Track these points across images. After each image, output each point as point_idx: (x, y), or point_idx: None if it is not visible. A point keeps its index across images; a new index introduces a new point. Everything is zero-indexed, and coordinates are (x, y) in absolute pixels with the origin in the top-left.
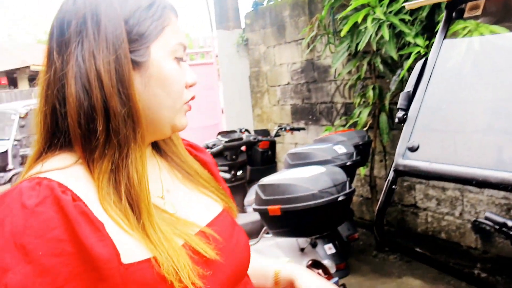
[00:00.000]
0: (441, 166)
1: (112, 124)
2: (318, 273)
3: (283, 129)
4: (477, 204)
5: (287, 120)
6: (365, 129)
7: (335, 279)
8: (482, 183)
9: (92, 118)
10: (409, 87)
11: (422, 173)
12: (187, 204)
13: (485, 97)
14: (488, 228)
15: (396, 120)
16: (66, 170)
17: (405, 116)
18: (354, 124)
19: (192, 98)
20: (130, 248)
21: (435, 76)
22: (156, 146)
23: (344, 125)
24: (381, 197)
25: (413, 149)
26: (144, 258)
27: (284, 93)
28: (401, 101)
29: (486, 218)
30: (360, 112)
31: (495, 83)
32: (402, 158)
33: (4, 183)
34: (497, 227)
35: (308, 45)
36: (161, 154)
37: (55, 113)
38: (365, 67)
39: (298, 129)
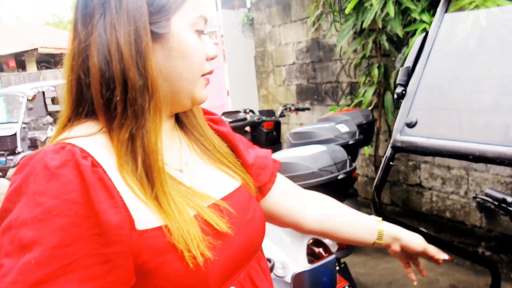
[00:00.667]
0: (439, 142)
1: (129, 95)
2: (319, 252)
3: (288, 109)
4: (482, 182)
5: (292, 101)
6: (370, 108)
7: (332, 256)
8: (479, 158)
9: (112, 88)
10: (408, 62)
11: (420, 149)
12: (204, 178)
13: (484, 73)
14: (488, 204)
15: (395, 95)
16: (91, 138)
17: (404, 92)
18: (359, 104)
19: (211, 72)
20: (145, 215)
21: (435, 51)
22: (178, 120)
23: (349, 105)
24: (378, 174)
25: (411, 125)
26: (157, 226)
27: (289, 73)
28: (400, 77)
29: (486, 195)
30: (365, 91)
31: (496, 59)
32: (400, 134)
33: (14, 166)
34: (496, 203)
35: (314, 24)
36: (182, 127)
37: (80, 83)
38: (370, 45)
39: (303, 109)
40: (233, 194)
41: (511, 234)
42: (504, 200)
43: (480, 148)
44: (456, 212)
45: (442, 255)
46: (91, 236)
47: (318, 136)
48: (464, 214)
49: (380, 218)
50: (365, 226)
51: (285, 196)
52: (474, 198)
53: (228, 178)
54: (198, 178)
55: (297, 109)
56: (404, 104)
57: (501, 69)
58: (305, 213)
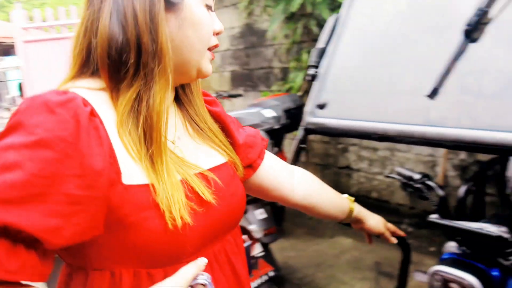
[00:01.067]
0: (347, 122)
1: (142, 59)
2: (243, 239)
3: (220, 96)
4: (405, 162)
5: (226, 87)
6: (300, 93)
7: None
8: (382, 137)
9: (125, 51)
10: (321, 43)
11: (329, 130)
12: (194, 152)
13: (392, 54)
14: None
15: (307, 77)
16: (94, 92)
17: (316, 73)
18: (290, 89)
19: (217, 45)
20: (134, 172)
21: (346, 33)
22: (176, 98)
23: (280, 90)
24: (290, 156)
25: (321, 107)
26: (143, 183)
27: (223, 59)
28: (312, 58)
29: (397, 173)
30: (295, 76)
31: (404, 42)
32: (311, 116)
33: None
34: (405, 180)
35: (246, 8)
36: (179, 105)
37: (90, 47)
38: (299, 30)
39: (235, 96)
40: (219, 167)
41: (431, 210)
42: (410, 178)
43: (383, 127)
44: (382, 192)
45: (393, 239)
46: (70, 175)
47: (244, 121)
48: (389, 193)
49: (353, 199)
50: (340, 205)
51: (274, 171)
52: (387, 176)
53: (216, 154)
54: (188, 151)
55: (230, 96)
56: (316, 85)
57: (407, 51)
58: (292, 187)
